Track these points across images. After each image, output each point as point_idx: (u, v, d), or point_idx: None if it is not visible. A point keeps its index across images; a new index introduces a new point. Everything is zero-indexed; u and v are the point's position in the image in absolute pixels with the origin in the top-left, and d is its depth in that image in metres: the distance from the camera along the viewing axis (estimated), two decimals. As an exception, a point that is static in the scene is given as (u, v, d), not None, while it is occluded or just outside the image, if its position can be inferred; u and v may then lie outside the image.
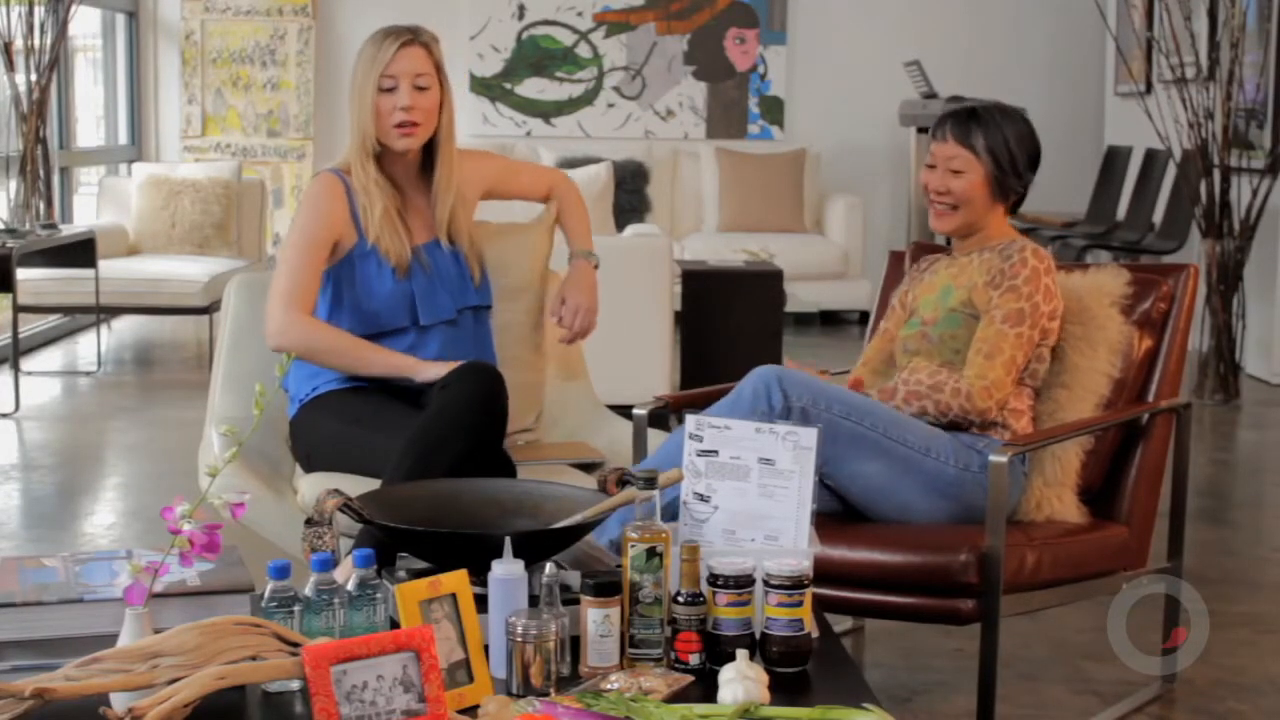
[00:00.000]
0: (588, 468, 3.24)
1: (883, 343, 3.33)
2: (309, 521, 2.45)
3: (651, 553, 2.26)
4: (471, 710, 2.07)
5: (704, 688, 2.17)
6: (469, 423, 2.97)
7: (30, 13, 7.69)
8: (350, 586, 2.20)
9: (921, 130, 9.02)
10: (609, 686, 2.14)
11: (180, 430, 5.94)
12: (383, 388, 3.20)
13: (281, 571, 2.17)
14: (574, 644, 2.23)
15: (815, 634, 2.33)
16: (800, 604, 2.28)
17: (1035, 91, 9.58)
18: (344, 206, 3.25)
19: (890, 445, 2.97)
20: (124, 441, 6.05)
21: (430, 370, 3.11)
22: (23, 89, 7.69)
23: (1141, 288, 3.27)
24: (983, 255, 3.19)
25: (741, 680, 2.10)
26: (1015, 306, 3.06)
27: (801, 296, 8.28)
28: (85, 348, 8.02)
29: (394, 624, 2.18)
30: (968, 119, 3.18)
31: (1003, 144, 3.15)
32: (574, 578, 2.37)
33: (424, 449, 2.92)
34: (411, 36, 3.24)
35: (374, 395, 3.18)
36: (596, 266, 3.47)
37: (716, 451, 2.53)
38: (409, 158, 3.29)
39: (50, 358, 7.84)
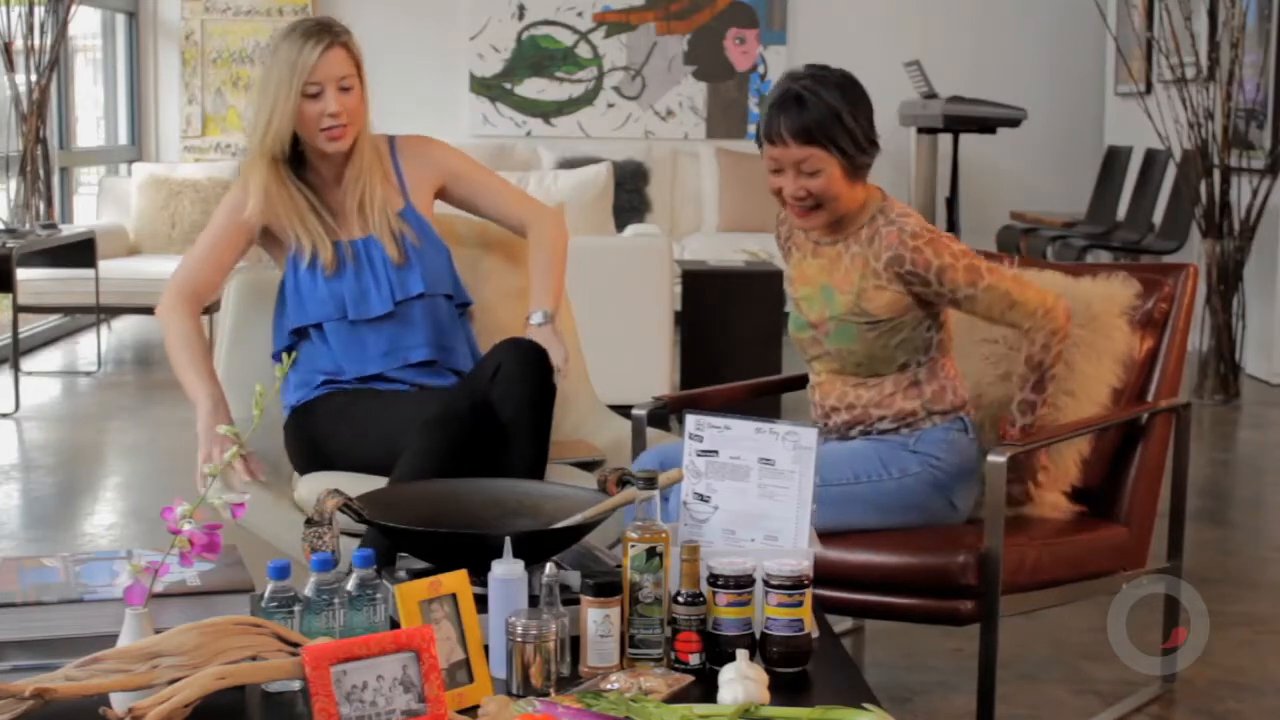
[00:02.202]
0: (588, 467, 3.24)
1: None
2: (309, 521, 2.44)
3: (651, 553, 2.26)
4: (471, 710, 2.07)
5: (704, 688, 2.17)
6: (530, 420, 3.01)
7: (30, 13, 7.70)
8: (350, 586, 2.20)
9: (921, 130, 9.02)
10: (609, 686, 2.14)
11: (180, 430, 5.94)
12: (368, 387, 3.20)
13: (281, 571, 2.17)
14: (574, 644, 2.23)
15: (815, 634, 2.33)
16: (800, 604, 2.28)
17: (1035, 91, 9.59)
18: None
19: (827, 490, 2.80)
20: (124, 441, 6.05)
21: (200, 418, 3.10)
22: (23, 89, 7.69)
23: (1142, 288, 3.27)
24: (850, 248, 2.96)
25: (741, 680, 2.10)
26: (961, 269, 2.87)
27: (801, 296, 8.27)
28: (85, 348, 8.03)
29: (394, 624, 2.18)
30: (798, 110, 2.83)
31: (842, 128, 2.84)
32: (574, 578, 2.37)
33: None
34: (331, 38, 3.15)
35: (362, 395, 3.18)
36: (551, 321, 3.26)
37: (716, 451, 2.53)
38: (334, 156, 3.22)
39: (50, 358, 7.85)
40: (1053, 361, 2.96)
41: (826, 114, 2.82)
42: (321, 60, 3.12)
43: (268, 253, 3.36)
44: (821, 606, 2.66)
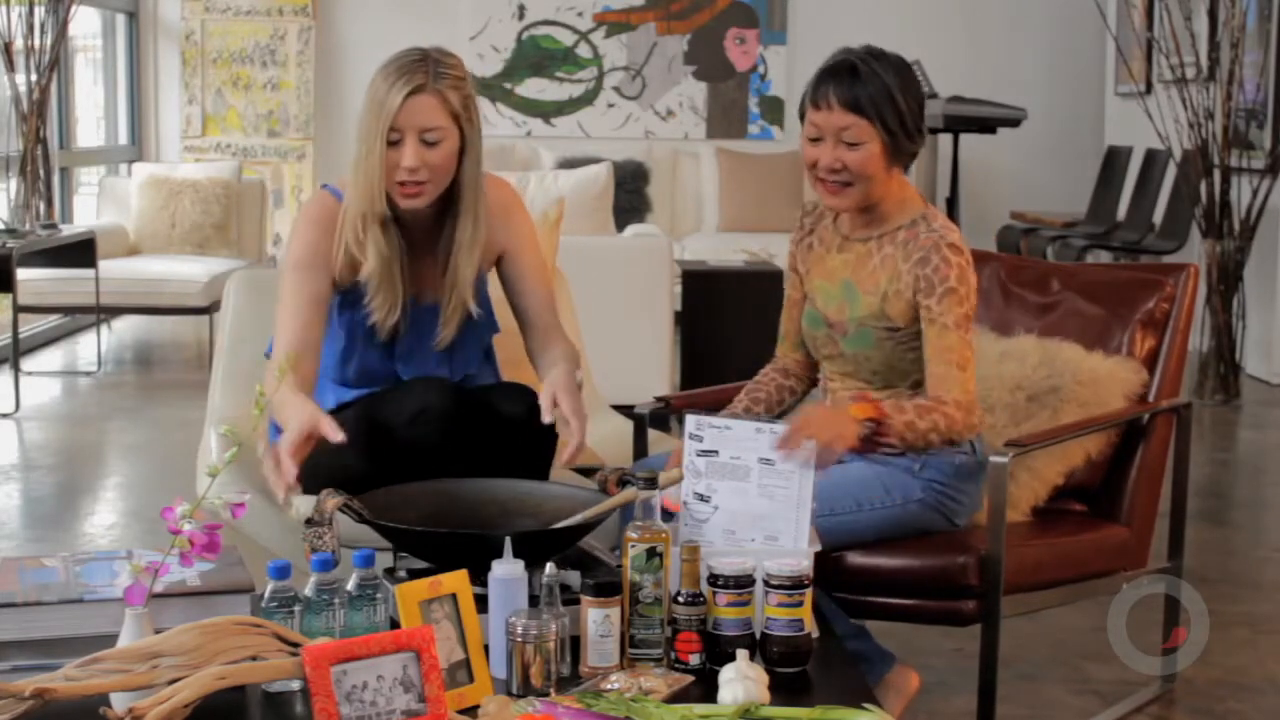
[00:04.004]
0: (587, 472, 3.23)
1: (792, 311, 3.05)
2: (309, 521, 2.45)
3: (651, 553, 2.26)
4: (472, 710, 2.07)
5: (704, 688, 2.17)
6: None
7: (30, 13, 7.70)
8: (350, 586, 2.20)
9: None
10: (609, 686, 2.14)
11: (180, 430, 5.94)
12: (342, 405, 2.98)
13: (281, 571, 2.17)
14: (574, 644, 2.23)
15: (815, 634, 2.33)
16: (800, 604, 2.28)
17: (1035, 91, 9.59)
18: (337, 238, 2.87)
19: (829, 520, 2.75)
20: (124, 441, 6.05)
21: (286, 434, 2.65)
22: (23, 89, 7.69)
23: (1142, 288, 3.27)
24: (883, 248, 2.85)
25: (741, 680, 2.10)
26: (962, 311, 2.77)
27: (801, 296, 8.27)
28: (85, 348, 8.02)
29: (394, 624, 2.18)
30: (851, 80, 2.74)
31: (891, 103, 2.74)
32: (574, 578, 2.37)
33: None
34: (423, 81, 2.75)
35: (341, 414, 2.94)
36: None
37: (716, 451, 2.53)
38: (417, 212, 2.86)
39: (50, 358, 7.85)
40: (942, 429, 2.74)
41: (879, 87, 2.74)
42: (405, 106, 2.73)
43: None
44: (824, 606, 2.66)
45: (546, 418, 2.74)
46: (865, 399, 2.68)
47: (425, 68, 2.77)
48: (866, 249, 2.88)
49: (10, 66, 7.68)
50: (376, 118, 2.75)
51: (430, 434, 2.80)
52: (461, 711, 2.06)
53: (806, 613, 2.29)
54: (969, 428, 2.80)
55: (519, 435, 2.86)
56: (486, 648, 2.18)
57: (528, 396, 2.89)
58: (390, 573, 2.41)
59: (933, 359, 2.79)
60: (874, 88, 2.74)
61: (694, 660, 2.24)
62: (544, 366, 2.94)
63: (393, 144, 2.76)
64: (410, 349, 2.95)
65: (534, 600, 2.23)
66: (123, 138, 9.68)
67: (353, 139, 2.87)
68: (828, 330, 2.93)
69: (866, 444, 2.68)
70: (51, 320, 8.30)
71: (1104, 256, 8.08)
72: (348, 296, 2.92)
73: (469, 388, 2.94)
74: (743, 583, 2.27)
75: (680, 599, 2.26)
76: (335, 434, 2.60)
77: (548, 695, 2.10)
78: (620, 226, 8.69)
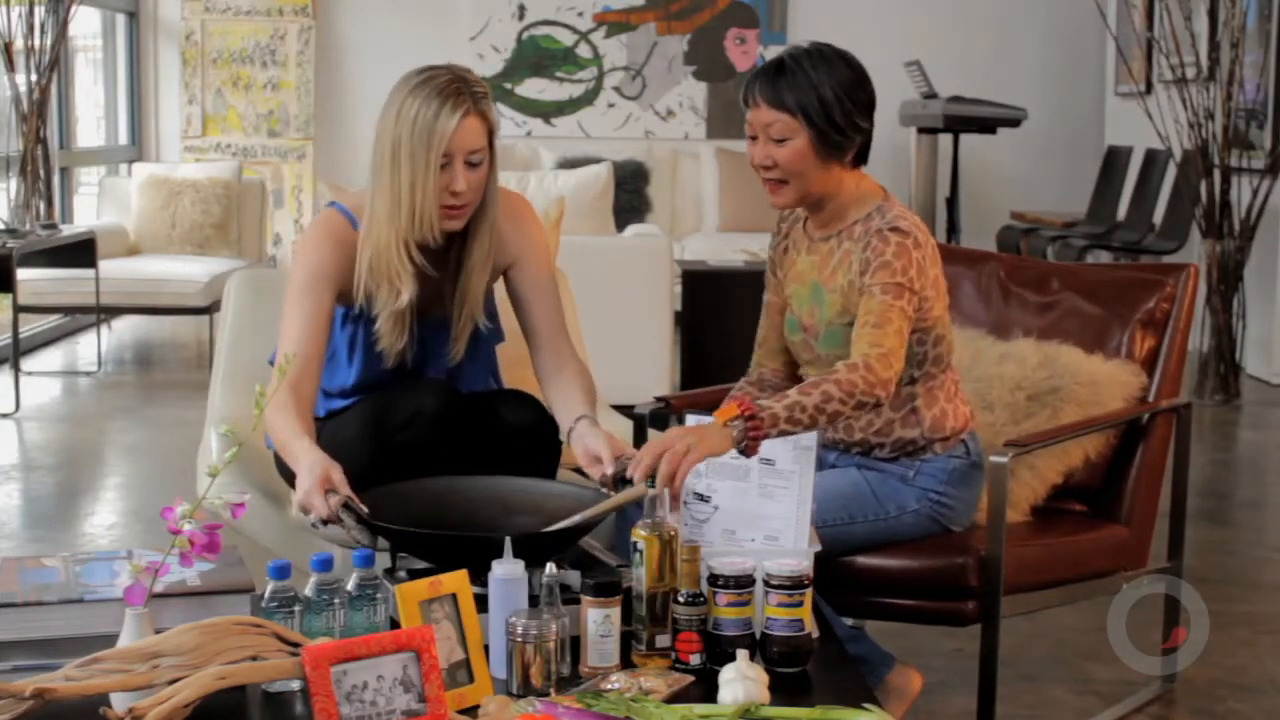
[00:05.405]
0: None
1: (772, 316, 3.01)
2: (325, 521, 2.47)
3: (633, 547, 2.28)
4: (472, 710, 2.07)
5: (704, 688, 2.17)
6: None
7: (30, 13, 7.70)
8: (350, 586, 2.20)
9: (921, 130, 9.02)
10: (609, 686, 2.14)
11: (180, 430, 5.94)
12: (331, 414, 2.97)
13: (281, 571, 2.17)
14: (574, 644, 2.23)
15: (815, 634, 2.33)
16: (800, 604, 2.28)
17: (1035, 91, 9.59)
18: (348, 256, 2.84)
19: (824, 532, 2.68)
20: (124, 441, 6.05)
21: (299, 485, 2.57)
22: (23, 89, 7.69)
23: (1142, 288, 3.27)
24: (842, 245, 2.80)
25: (742, 680, 2.10)
26: (893, 281, 2.68)
27: (801, 296, 8.27)
28: (85, 348, 8.02)
29: (394, 624, 2.18)
30: (775, 75, 2.72)
31: (816, 98, 2.69)
32: (574, 578, 2.37)
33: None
34: (469, 104, 2.71)
35: (328, 426, 2.93)
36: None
37: (716, 451, 2.52)
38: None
39: (50, 358, 7.85)
40: (842, 379, 2.58)
41: (803, 82, 2.71)
42: (459, 130, 2.70)
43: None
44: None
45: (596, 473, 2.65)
46: (734, 399, 2.52)
47: (462, 88, 2.72)
48: (829, 248, 2.84)
49: (10, 66, 7.68)
50: (426, 144, 2.69)
51: (427, 436, 2.80)
52: (461, 711, 2.06)
53: (806, 613, 2.29)
54: (877, 384, 2.60)
55: (525, 442, 2.87)
56: (486, 648, 2.18)
57: (533, 404, 2.91)
58: (390, 573, 2.41)
59: (859, 327, 2.69)
60: (797, 82, 2.71)
61: (694, 660, 2.24)
62: (563, 405, 2.86)
63: (440, 167, 2.72)
64: (418, 366, 2.93)
65: (534, 600, 2.23)
66: (123, 138, 9.68)
67: (367, 153, 2.81)
68: (803, 335, 2.90)
69: (749, 444, 2.47)
70: (51, 320, 8.30)
71: (1104, 256, 8.08)
72: (350, 311, 2.89)
73: (472, 392, 2.94)
74: (743, 583, 2.27)
75: (680, 599, 2.26)
76: (346, 488, 2.50)
77: (548, 695, 2.10)
78: (620, 226, 8.69)
